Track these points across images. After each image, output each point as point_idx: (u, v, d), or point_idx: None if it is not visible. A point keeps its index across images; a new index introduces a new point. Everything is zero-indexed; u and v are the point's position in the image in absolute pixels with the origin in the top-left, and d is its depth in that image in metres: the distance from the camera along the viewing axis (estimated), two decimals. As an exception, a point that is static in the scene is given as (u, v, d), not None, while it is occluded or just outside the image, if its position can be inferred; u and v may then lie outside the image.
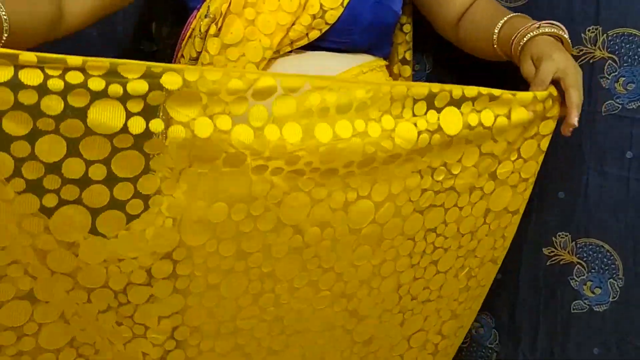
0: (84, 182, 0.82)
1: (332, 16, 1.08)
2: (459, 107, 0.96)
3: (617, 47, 1.20)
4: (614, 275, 1.27)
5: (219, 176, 0.86)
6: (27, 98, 0.75)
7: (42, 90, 0.75)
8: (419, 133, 0.94)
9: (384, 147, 0.92)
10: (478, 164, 1.01)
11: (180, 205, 0.88)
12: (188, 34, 1.10)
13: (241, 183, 0.88)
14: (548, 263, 1.31)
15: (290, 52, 1.09)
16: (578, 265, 1.29)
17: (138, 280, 0.91)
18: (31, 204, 0.81)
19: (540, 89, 1.00)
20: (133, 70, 0.78)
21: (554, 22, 1.07)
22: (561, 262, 1.31)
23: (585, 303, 1.30)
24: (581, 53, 1.22)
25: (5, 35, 0.89)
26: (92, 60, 0.77)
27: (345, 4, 1.08)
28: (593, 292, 1.29)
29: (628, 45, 1.19)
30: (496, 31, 1.11)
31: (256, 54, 1.05)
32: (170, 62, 1.14)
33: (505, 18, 1.12)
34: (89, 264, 0.88)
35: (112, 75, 0.77)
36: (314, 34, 1.08)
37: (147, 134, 0.80)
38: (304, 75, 0.89)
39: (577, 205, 1.27)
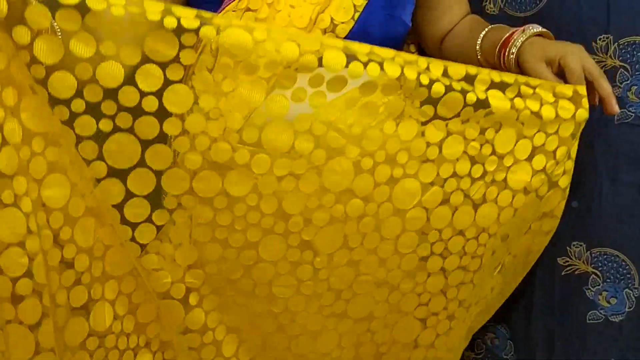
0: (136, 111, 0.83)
1: (343, 30, 1.08)
2: (502, 91, 0.96)
3: (628, 56, 1.20)
4: (630, 285, 1.26)
5: (263, 126, 0.87)
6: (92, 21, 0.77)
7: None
8: (464, 94, 0.93)
9: (425, 112, 0.92)
10: (531, 159, 1.01)
11: (224, 150, 0.87)
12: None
13: (284, 137, 0.88)
14: (563, 273, 1.31)
15: None
16: (593, 275, 1.28)
17: (179, 219, 0.92)
18: (89, 127, 0.83)
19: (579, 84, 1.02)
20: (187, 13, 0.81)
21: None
22: (576, 272, 1.30)
23: (601, 313, 1.29)
24: (593, 62, 1.22)
25: None
26: None
27: (356, 17, 1.09)
28: (609, 302, 1.28)
29: (640, 54, 1.19)
30: (479, 42, 1.13)
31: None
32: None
33: (487, 29, 1.14)
34: (138, 195, 0.88)
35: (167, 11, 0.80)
36: None
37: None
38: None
39: (591, 214, 1.26)
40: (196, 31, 0.81)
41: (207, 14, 0.82)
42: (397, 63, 0.90)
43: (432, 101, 0.92)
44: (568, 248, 1.29)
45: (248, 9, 1.06)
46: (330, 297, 1.01)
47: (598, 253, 1.27)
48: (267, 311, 1.00)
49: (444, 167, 0.96)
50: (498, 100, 0.96)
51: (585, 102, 1.01)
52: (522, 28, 1.09)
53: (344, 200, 0.93)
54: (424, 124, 0.94)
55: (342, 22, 1.08)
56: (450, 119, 0.95)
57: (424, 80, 0.91)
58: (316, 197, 0.92)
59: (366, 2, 1.09)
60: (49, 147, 0.85)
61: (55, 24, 0.77)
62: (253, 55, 0.84)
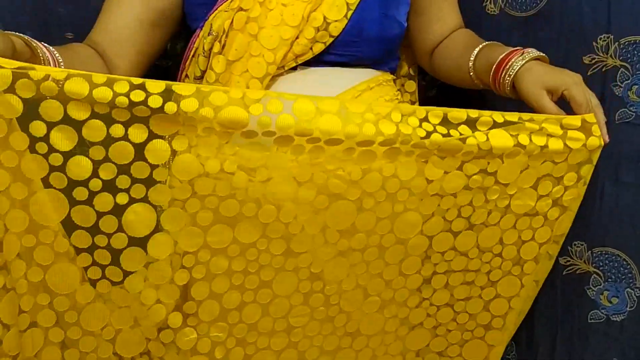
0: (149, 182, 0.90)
1: (336, 28, 1.08)
2: (506, 130, 0.97)
3: (629, 55, 1.20)
4: (631, 284, 1.26)
5: (267, 181, 0.93)
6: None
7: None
8: (463, 140, 0.95)
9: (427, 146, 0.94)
10: (536, 186, 1.01)
11: (233, 205, 0.93)
12: (191, 53, 1.11)
13: (288, 189, 0.93)
14: (564, 272, 1.31)
15: (296, 67, 1.09)
16: (594, 275, 1.28)
17: (199, 275, 0.97)
18: (107, 202, 0.89)
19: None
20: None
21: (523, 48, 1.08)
22: (577, 272, 1.30)
23: (602, 313, 1.29)
24: (593, 61, 1.22)
25: None
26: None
27: (349, 15, 1.08)
28: (610, 302, 1.28)
29: (640, 53, 1.19)
30: (471, 59, 1.12)
31: (259, 70, 1.06)
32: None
33: (480, 47, 1.13)
34: (158, 259, 0.94)
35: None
36: (319, 48, 1.08)
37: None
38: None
39: (592, 214, 1.26)
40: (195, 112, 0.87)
41: (205, 88, 0.89)
42: (392, 120, 0.93)
43: (430, 149, 0.95)
44: (569, 248, 1.29)
45: (240, 9, 1.06)
46: (343, 319, 1.06)
47: (599, 252, 1.27)
48: (287, 343, 1.06)
49: (445, 200, 0.99)
50: (500, 140, 0.97)
51: (595, 129, 1.01)
52: (520, 51, 1.07)
53: (348, 236, 0.98)
54: (423, 162, 0.96)
55: (335, 20, 1.08)
56: (449, 157, 0.97)
57: (421, 133, 0.94)
58: (321, 235, 0.98)
59: (359, 0, 1.09)
60: (58, 237, 0.91)
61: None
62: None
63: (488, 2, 1.33)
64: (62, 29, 1.31)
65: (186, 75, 1.13)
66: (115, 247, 0.92)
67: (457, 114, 0.96)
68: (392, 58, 1.21)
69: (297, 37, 1.07)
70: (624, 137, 1.22)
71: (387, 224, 0.99)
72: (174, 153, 0.89)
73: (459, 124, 0.96)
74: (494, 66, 1.07)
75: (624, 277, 1.26)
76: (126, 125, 0.86)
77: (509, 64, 1.05)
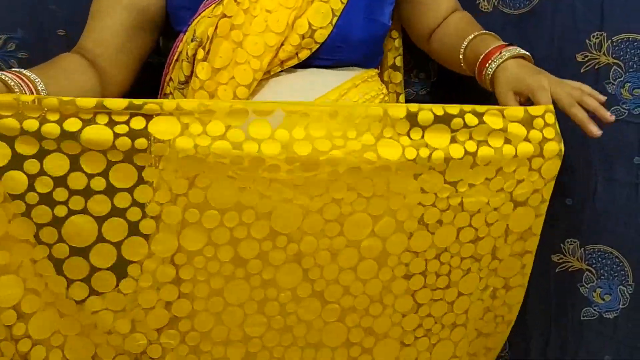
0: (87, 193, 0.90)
1: (321, 35, 1.08)
2: (448, 125, 0.96)
3: (622, 53, 1.20)
4: (624, 282, 1.26)
5: (207, 187, 0.92)
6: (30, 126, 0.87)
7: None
8: (404, 148, 0.94)
9: (367, 159, 0.93)
10: (488, 183, 1.00)
11: (175, 212, 0.93)
12: (175, 57, 1.11)
13: (229, 193, 0.92)
14: (557, 270, 1.31)
15: (281, 71, 1.08)
16: (587, 272, 1.28)
17: (145, 284, 0.96)
18: (45, 215, 0.90)
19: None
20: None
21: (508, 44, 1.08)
22: (570, 269, 1.30)
23: (595, 310, 1.29)
24: (586, 59, 1.22)
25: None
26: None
27: (334, 22, 1.08)
28: (603, 299, 1.28)
29: (633, 51, 1.19)
30: (462, 50, 1.13)
31: (246, 77, 1.05)
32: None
33: (471, 37, 1.13)
34: (101, 268, 0.94)
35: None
36: (304, 54, 1.08)
37: (134, 150, 0.88)
38: (276, 102, 0.94)
39: (585, 211, 1.27)
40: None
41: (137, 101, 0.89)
42: (347, 137, 0.93)
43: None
44: (562, 245, 1.30)
45: (224, 15, 1.06)
46: (302, 328, 1.04)
47: (592, 250, 1.27)
48: (245, 353, 1.04)
49: (393, 199, 0.97)
50: (438, 140, 0.96)
51: (538, 122, 1.00)
52: (504, 46, 1.07)
53: (297, 239, 0.97)
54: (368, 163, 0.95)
55: (321, 27, 1.08)
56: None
57: (369, 140, 0.94)
58: (269, 240, 0.96)
59: (344, 6, 1.09)
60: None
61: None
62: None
63: (482, 0, 1.33)
64: (55, 26, 1.30)
65: (170, 79, 1.13)
66: (57, 256, 0.92)
67: (397, 112, 0.95)
68: (377, 54, 1.21)
69: (282, 44, 1.06)
70: (617, 134, 1.22)
71: (336, 226, 0.97)
72: (110, 164, 0.89)
73: (400, 120, 0.94)
74: (478, 62, 1.08)
75: (616, 274, 1.26)
76: (58, 141, 0.87)
77: (489, 62, 1.06)
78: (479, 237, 1.04)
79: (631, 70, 1.20)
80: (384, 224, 0.98)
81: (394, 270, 1.03)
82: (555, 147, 1.01)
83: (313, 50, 1.08)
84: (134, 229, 0.93)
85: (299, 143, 0.91)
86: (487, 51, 1.07)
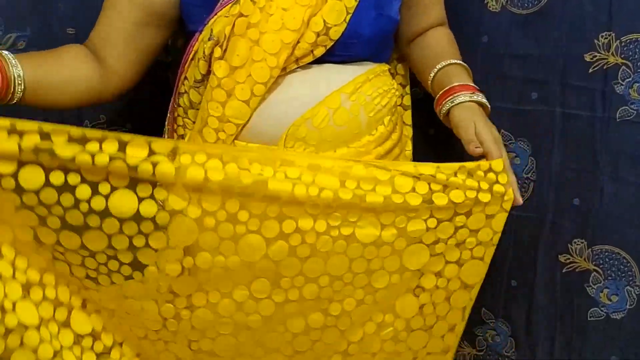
0: None
1: (336, 32, 1.09)
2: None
3: (630, 53, 1.20)
4: (631, 282, 1.26)
5: (108, 195, 0.94)
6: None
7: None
8: (294, 184, 0.96)
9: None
10: (379, 215, 1.00)
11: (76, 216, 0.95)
12: (190, 56, 1.11)
13: (129, 204, 0.94)
14: (564, 270, 1.31)
15: (297, 68, 1.09)
16: (594, 273, 1.28)
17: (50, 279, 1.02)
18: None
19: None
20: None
21: (470, 86, 1.11)
22: (577, 270, 1.30)
23: (602, 310, 1.29)
24: (595, 59, 1.22)
25: (20, 90, 1.01)
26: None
27: (347, 19, 1.09)
28: (610, 300, 1.28)
29: (642, 51, 1.19)
30: (431, 75, 1.17)
31: (263, 74, 1.06)
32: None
33: (441, 65, 1.16)
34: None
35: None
36: (319, 51, 1.09)
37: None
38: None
39: (592, 211, 1.26)
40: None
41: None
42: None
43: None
44: (569, 245, 1.29)
45: (241, 14, 1.06)
46: (195, 334, 1.05)
47: (599, 250, 1.27)
48: (150, 337, 1.08)
49: (286, 223, 0.98)
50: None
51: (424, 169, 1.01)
52: (455, 92, 1.10)
53: (193, 254, 0.98)
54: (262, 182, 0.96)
55: (335, 25, 1.08)
56: None
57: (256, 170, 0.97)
58: (166, 252, 0.98)
59: (357, 3, 1.10)
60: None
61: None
62: None
63: (490, -1, 1.33)
64: (63, 25, 1.31)
65: (185, 78, 1.13)
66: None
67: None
68: (387, 49, 1.22)
69: (298, 41, 1.07)
70: (625, 135, 1.22)
71: (231, 245, 0.98)
72: (20, 164, 0.90)
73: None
74: (438, 95, 1.13)
75: (623, 275, 1.26)
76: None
77: (444, 101, 1.11)
78: (371, 270, 1.04)
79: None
80: (277, 247, 0.99)
81: (287, 293, 1.03)
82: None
83: (328, 47, 1.09)
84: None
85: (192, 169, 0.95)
86: (449, 87, 1.12)
